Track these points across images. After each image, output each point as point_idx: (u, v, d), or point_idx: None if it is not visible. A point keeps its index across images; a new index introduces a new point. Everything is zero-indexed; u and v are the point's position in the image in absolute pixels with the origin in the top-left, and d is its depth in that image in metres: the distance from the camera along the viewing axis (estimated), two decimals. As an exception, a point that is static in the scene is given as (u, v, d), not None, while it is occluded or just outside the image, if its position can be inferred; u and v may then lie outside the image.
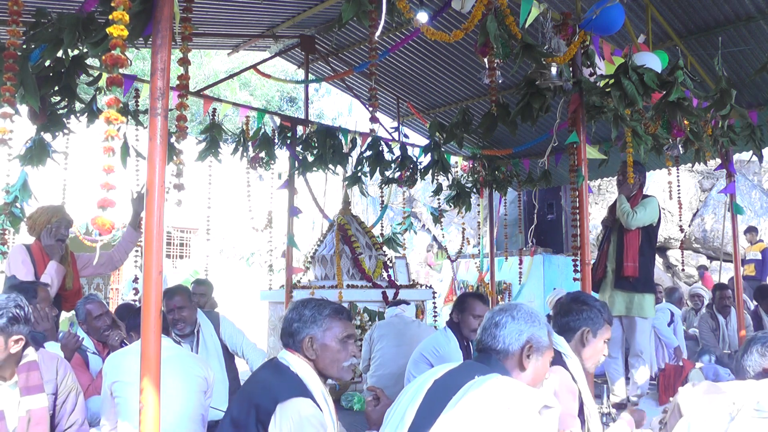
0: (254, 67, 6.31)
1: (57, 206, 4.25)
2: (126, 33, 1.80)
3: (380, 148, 5.84)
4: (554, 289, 7.47)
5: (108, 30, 1.78)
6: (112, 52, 1.79)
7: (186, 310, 3.81)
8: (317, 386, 2.12)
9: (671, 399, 2.70)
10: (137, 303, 4.68)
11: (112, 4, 1.79)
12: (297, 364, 2.16)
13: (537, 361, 2.05)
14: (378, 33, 2.70)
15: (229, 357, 4.05)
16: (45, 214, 4.12)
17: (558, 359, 2.43)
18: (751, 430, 1.31)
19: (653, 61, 3.90)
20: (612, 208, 5.26)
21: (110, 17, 1.80)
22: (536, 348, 2.04)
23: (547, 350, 2.09)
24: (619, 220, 5.10)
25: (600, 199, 13.31)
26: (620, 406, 4.86)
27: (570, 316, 2.57)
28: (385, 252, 6.82)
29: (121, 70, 1.86)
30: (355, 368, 5.54)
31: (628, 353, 5.28)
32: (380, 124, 6.43)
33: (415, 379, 2.12)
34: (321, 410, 2.05)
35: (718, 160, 6.00)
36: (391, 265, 6.74)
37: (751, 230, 10.58)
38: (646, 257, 5.07)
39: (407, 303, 5.26)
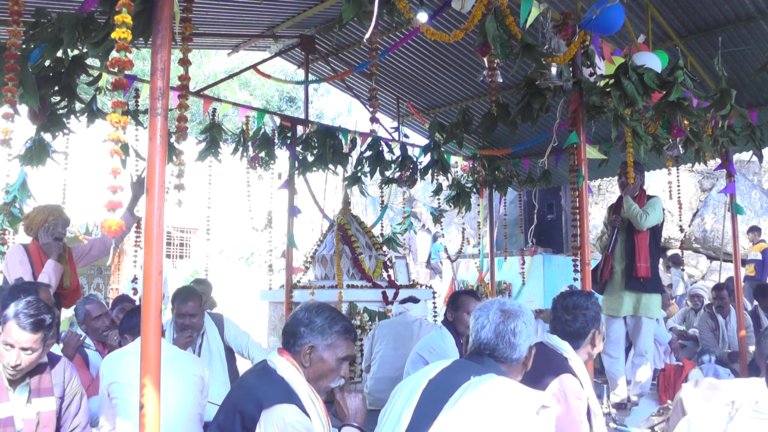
0: (254, 67, 6.31)
1: (54, 205, 4.22)
2: (130, 37, 1.80)
3: (380, 148, 5.84)
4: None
5: (112, 35, 1.78)
6: (117, 55, 1.79)
7: (197, 317, 3.73)
8: (304, 390, 2.08)
9: (669, 402, 2.71)
10: (137, 302, 4.68)
11: (116, 8, 1.80)
12: (285, 367, 2.11)
13: (530, 359, 2.15)
14: (368, 35, 2.69)
15: (231, 359, 4.03)
16: (41, 214, 4.09)
17: (565, 365, 2.42)
18: (749, 430, 1.31)
19: (653, 61, 3.90)
20: (614, 208, 5.24)
21: (114, 20, 1.80)
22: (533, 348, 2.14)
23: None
24: (626, 221, 5.09)
25: (600, 199, 13.31)
26: (620, 406, 4.88)
27: (576, 325, 2.54)
28: (385, 252, 6.82)
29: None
30: (355, 368, 5.56)
31: (629, 353, 5.28)
32: (380, 124, 6.43)
33: (408, 378, 2.10)
34: (308, 415, 2.01)
35: (718, 160, 6.00)
36: (391, 265, 6.73)
37: (754, 230, 10.38)
38: (654, 258, 5.07)
39: (416, 301, 5.22)
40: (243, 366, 4.16)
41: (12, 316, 2.55)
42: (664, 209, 5.17)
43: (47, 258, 4.00)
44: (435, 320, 6.96)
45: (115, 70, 1.82)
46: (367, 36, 2.69)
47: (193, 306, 3.72)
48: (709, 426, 1.38)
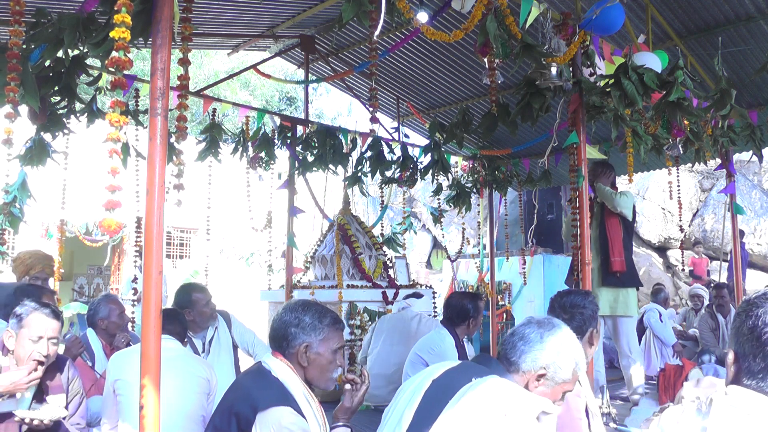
0: (254, 67, 6.31)
1: (41, 255, 4.33)
2: (129, 36, 1.80)
3: (380, 148, 5.84)
4: None
5: (111, 34, 1.78)
6: (115, 54, 1.79)
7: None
8: (300, 391, 2.08)
9: (669, 402, 2.69)
10: (137, 303, 4.68)
11: (115, 7, 1.80)
12: (280, 368, 2.11)
13: (545, 388, 1.93)
14: (377, 33, 2.69)
15: (234, 354, 4.13)
16: (23, 264, 4.22)
17: None
18: (731, 422, 1.25)
19: (653, 61, 3.90)
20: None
21: (113, 20, 1.80)
22: (549, 378, 1.93)
23: (563, 384, 1.94)
24: (597, 216, 5.10)
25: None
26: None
27: (573, 324, 2.52)
28: (385, 252, 6.82)
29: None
30: (355, 369, 5.56)
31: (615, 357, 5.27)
32: (380, 124, 6.43)
33: (412, 377, 2.11)
34: (304, 416, 2.01)
35: (718, 160, 6.01)
36: (391, 265, 6.73)
37: None
38: (628, 251, 5.07)
39: (419, 297, 5.22)
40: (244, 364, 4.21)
41: (32, 309, 2.62)
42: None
43: None
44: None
45: (114, 69, 1.82)
46: (376, 33, 2.69)
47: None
48: (683, 425, 1.34)
